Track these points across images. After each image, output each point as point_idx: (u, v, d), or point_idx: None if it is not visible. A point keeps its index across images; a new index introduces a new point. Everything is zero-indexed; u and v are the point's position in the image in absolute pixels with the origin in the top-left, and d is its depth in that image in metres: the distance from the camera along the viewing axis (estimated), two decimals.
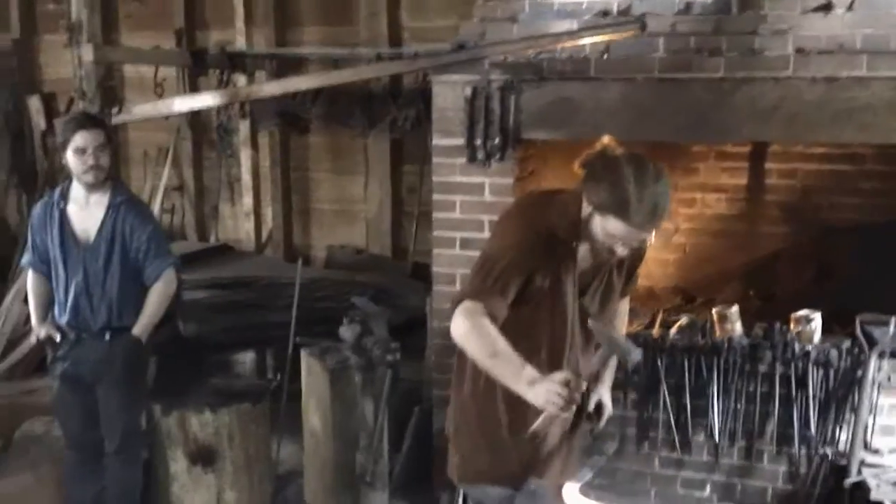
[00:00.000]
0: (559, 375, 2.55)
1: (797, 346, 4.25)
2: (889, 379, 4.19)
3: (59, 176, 6.22)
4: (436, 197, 4.64)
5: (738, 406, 4.38)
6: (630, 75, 4.20)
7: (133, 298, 4.20)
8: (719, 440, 4.42)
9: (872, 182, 5.13)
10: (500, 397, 2.91)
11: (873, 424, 4.21)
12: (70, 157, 4.09)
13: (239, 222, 7.57)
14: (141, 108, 6.27)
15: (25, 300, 4.95)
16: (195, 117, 7.44)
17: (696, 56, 4.11)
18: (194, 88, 7.23)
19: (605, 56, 4.27)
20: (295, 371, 4.81)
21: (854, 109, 3.95)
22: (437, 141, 4.56)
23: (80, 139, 4.06)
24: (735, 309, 4.39)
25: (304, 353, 4.63)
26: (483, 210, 4.50)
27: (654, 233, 2.76)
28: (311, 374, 4.56)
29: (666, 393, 4.45)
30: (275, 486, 4.90)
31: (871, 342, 4.08)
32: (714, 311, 4.44)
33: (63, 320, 4.24)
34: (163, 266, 4.20)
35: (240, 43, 7.04)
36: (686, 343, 4.41)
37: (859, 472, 4.09)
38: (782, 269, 5.17)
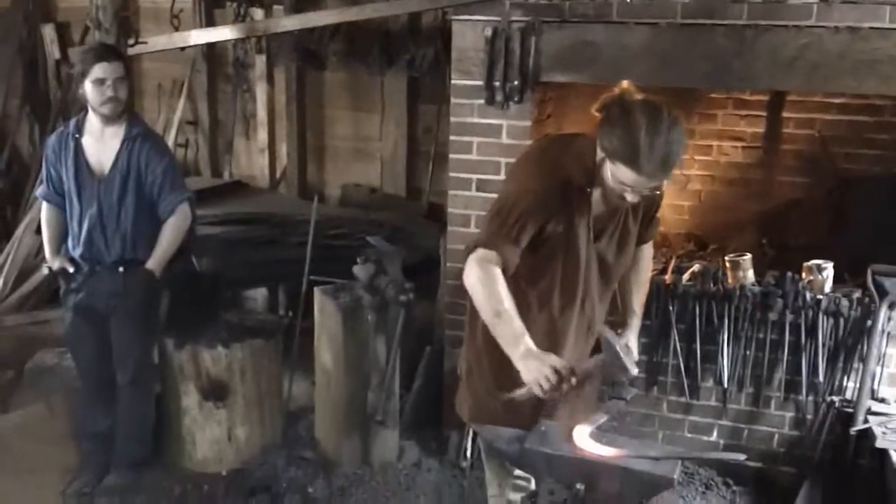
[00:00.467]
0: (554, 360, 2.58)
1: (808, 295, 4.26)
2: None
3: (73, 106, 6.22)
4: (452, 138, 4.61)
5: (748, 353, 4.41)
6: (652, 20, 4.14)
7: (147, 232, 4.20)
8: (728, 386, 4.45)
9: (890, 133, 5.10)
10: None
11: (881, 374, 4.23)
12: (88, 89, 4.07)
13: (253, 158, 7.56)
14: (157, 40, 6.24)
15: (38, 231, 4.96)
16: (211, 50, 7.39)
17: (719, 2, 4.05)
18: (210, 21, 7.16)
19: (628, 0, 4.23)
20: (308, 308, 4.81)
21: (876, 61, 3.90)
22: (456, 81, 4.52)
23: (99, 70, 4.04)
24: (748, 257, 4.40)
25: (317, 291, 4.63)
26: (500, 152, 4.47)
27: (665, 182, 2.77)
28: (324, 312, 4.57)
29: (676, 338, 4.47)
30: (285, 423, 4.94)
31: (882, 292, 4.08)
32: (726, 258, 4.45)
33: (77, 253, 4.24)
34: (177, 200, 4.20)
35: None
36: (698, 290, 4.42)
37: (865, 420, 4.11)
38: (796, 218, 5.16)
